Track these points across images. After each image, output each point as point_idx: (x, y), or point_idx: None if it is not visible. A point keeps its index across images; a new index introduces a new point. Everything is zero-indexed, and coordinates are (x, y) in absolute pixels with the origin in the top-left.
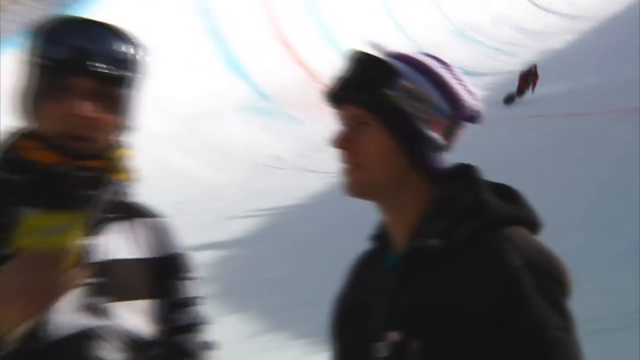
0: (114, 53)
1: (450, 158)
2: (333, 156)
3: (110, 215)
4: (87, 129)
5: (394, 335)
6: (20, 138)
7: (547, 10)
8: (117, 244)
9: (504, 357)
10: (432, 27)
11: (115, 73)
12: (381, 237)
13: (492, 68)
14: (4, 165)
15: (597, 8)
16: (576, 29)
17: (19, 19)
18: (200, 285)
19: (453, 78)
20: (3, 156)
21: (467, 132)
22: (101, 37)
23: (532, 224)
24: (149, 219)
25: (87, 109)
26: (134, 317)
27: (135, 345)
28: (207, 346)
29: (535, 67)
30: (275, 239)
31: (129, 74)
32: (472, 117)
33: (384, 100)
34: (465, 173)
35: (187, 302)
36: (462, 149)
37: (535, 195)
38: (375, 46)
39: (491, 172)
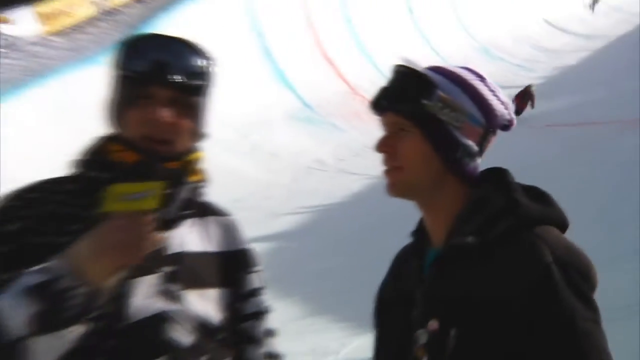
0: (189, 65)
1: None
2: (370, 160)
3: (185, 212)
4: (166, 132)
5: (433, 324)
6: (107, 142)
7: (563, 30)
8: (191, 237)
9: (536, 346)
10: (459, 45)
11: (190, 83)
12: (420, 233)
13: (513, 82)
14: (94, 165)
15: (608, 28)
16: (589, 47)
17: (96, 40)
18: (264, 277)
19: (487, 89)
20: (92, 157)
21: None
22: (178, 51)
23: (561, 223)
24: (220, 217)
25: (166, 114)
26: (204, 304)
27: (205, 329)
28: (270, 333)
29: (530, 87)
30: (318, 233)
31: (202, 83)
32: (504, 125)
33: (422, 110)
34: (497, 176)
35: (253, 293)
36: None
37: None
38: (411, 62)
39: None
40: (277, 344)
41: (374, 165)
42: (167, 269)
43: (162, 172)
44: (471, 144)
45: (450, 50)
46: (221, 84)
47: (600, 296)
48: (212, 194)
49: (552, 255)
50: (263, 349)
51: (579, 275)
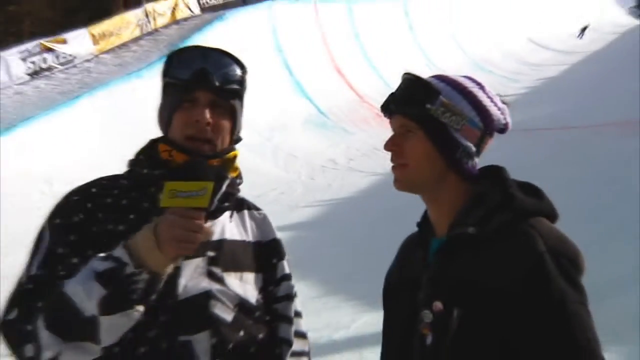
0: (227, 72)
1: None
2: (377, 160)
3: (226, 204)
4: (208, 132)
5: (438, 305)
6: (157, 143)
7: (544, 47)
8: (230, 227)
9: (530, 325)
10: (453, 59)
11: (228, 87)
12: (425, 224)
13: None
14: (145, 163)
15: (584, 45)
16: (567, 62)
17: (139, 57)
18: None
19: (485, 96)
20: (144, 157)
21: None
22: (217, 60)
23: (552, 215)
24: (253, 211)
25: (208, 116)
26: (243, 285)
27: (243, 308)
28: (299, 314)
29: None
30: (331, 224)
31: (238, 88)
32: (500, 129)
33: (426, 113)
34: (495, 173)
35: (284, 278)
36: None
37: None
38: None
39: None
40: (303, 325)
41: (380, 164)
42: (211, 253)
43: (207, 170)
44: (470, 145)
45: (445, 64)
46: (247, 94)
47: (592, 275)
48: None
49: (545, 245)
50: (294, 328)
51: (569, 262)
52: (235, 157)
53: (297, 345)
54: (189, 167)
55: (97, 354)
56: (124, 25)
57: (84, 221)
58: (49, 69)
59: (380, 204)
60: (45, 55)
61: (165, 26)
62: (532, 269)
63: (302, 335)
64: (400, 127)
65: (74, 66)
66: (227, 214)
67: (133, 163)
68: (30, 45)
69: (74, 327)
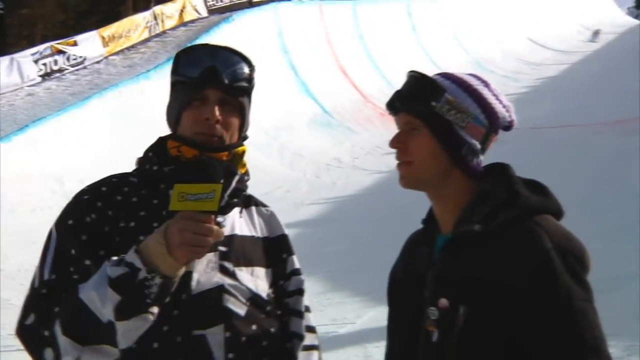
0: (236, 70)
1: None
2: (380, 158)
3: (235, 200)
4: (217, 129)
5: (443, 302)
6: (167, 140)
7: (544, 47)
8: (240, 223)
9: (536, 323)
10: (456, 59)
11: (236, 85)
12: (430, 221)
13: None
14: (155, 160)
15: (582, 46)
16: (566, 61)
17: (148, 58)
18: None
19: (490, 94)
20: (154, 154)
21: None
22: (226, 58)
23: (558, 212)
24: (261, 207)
25: (218, 113)
26: (254, 280)
27: (255, 302)
28: (308, 309)
29: None
30: (336, 221)
31: (246, 85)
32: (506, 126)
33: (431, 111)
34: (500, 170)
35: (294, 272)
36: None
37: None
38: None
39: None
40: (313, 319)
41: (383, 163)
42: (222, 248)
43: (217, 166)
44: (475, 142)
45: (448, 64)
46: (254, 94)
47: (594, 272)
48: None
49: (551, 242)
50: (305, 322)
51: (575, 259)
52: (243, 152)
53: (308, 339)
54: (199, 164)
55: (116, 356)
56: (132, 27)
57: (96, 221)
58: (60, 70)
59: (384, 201)
60: (57, 57)
61: (173, 28)
62: (539, 266)
63: (311, 329)
64: (406, 125)
65: (84, 67)
66: (236, 209)
67: (142, 161)
68: (41, 48)
69: (92, 332)
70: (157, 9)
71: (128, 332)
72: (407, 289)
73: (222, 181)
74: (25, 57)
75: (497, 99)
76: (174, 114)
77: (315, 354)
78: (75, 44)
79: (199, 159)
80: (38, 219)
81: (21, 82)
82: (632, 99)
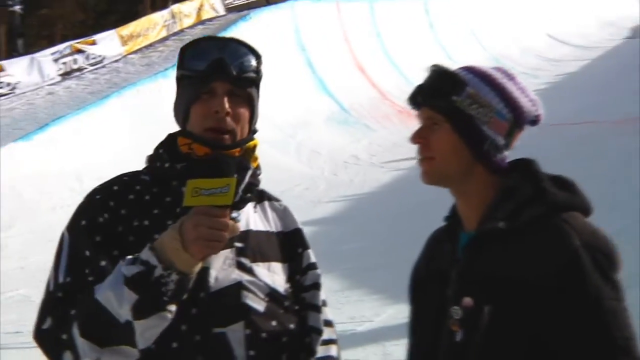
0: (243, 61)
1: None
2: (398, 155)
3: (249, 195)
4: (228, 122)
5: (467, 301)
6: (177, 137)
7: (563, 42)
8: (254, 218)
9: (565, 322)
10: (473, 56)
11: (245, 76)
12: (454, 218)
13: None
14: (166, 157)
15: (602, 41)
16: (586, 57)
17: (165, 57)
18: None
19: (515, 87)
20: (165, 151)
21: None
22: (233, 49)
23: (586, 209)
24: (274, 202)
25: (227, 106)
26: (271, 275)
27: (274, 298)
28: (325, 303)
29: None
30: (354, 218)
31: (254, 76)
32: (532, 121)
33: (452, 105)
34: (525, 166)
35: (310, 267)
36: None
37: None
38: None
39: None
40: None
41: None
42: (238, 244)
43: (230, 162)
44: (498, 137)
45: (465, 60)
46: (271, 92)
47: None
48: (264, 185)
49: (579, 240)
50: (322, 316)
51: (604, 257)
52: (255, 146)
53: (326, 333)
54: (211, 161)
55: (136, 357)
56: (151, 26)
57: (109, 221)
58: (80, 69)
59: (401, 199)
60: (76, 56)
61: (191, 26)
62: (567, 265)
63: (329, 323)
64: (427, 120)
65: (103, 66)
66: (251, 204)
67: (153, 158)
68: (61, 47)
69: (110, 333)
70: (175, 7)
71: (146, 331)
72: (429, 286)
73: (235, 176)
74: (45, 57)
75: (523, 92)
76: (182, 110)
77: (333, 347)
78: (94, 43)
79: (211, 155)
80: (58, 217)
81: (41, 81)
82: None
